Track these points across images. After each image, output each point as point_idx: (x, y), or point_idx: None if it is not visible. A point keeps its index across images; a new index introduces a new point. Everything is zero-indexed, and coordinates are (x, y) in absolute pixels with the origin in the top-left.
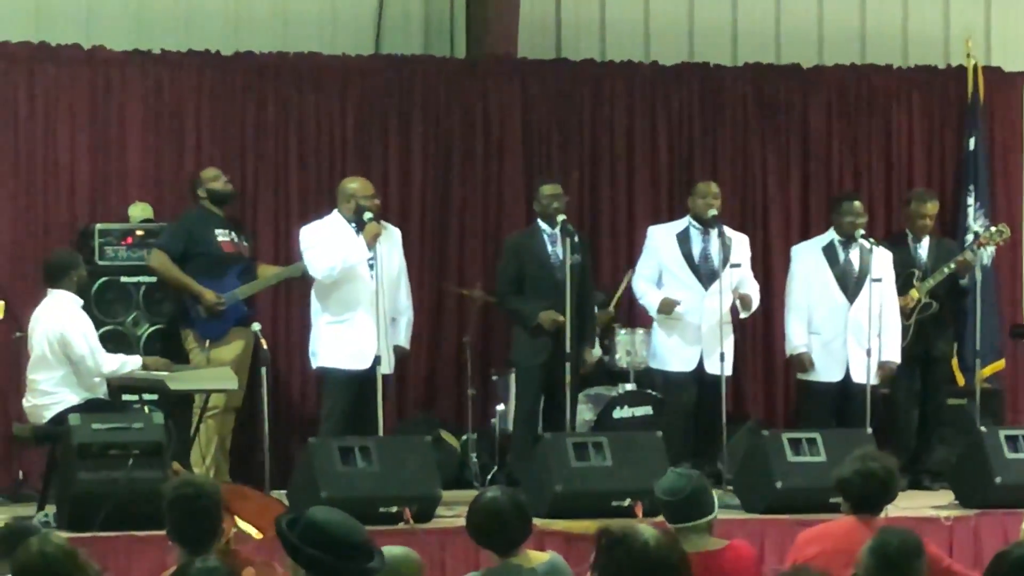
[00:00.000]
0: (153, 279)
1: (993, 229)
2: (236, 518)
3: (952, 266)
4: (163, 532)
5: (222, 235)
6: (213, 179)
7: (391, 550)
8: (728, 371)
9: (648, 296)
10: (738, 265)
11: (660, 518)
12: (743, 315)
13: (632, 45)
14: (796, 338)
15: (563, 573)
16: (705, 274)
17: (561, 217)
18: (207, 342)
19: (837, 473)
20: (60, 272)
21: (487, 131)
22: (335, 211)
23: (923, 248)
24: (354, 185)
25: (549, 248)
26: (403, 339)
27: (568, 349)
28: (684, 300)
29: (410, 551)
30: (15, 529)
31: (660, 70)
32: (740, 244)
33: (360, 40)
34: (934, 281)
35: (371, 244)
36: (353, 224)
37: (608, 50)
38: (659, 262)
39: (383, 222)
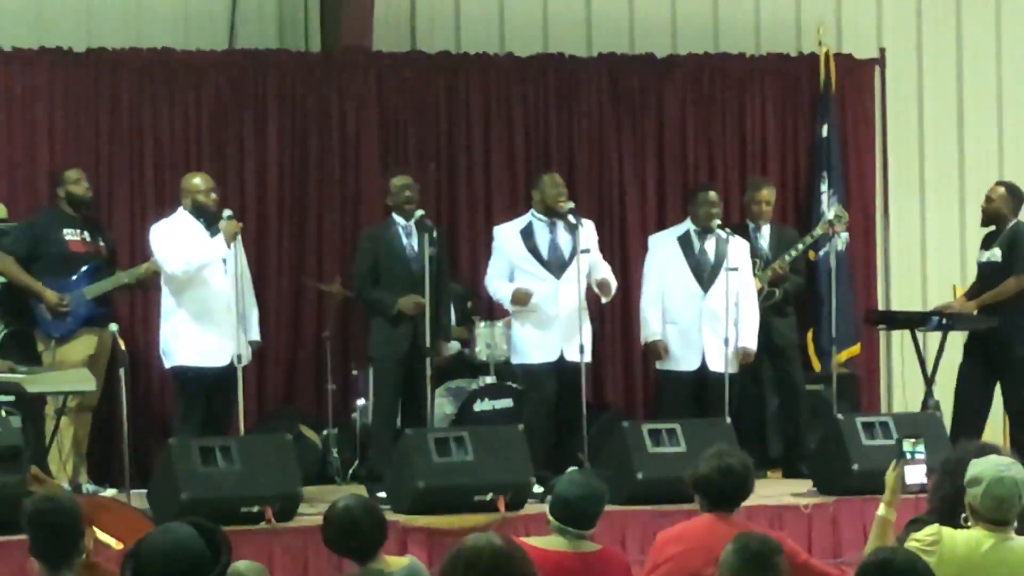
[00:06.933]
0: (6, 280)
1: (832, 217)
2: (95, 529)
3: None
4: (23, 537)
5: (71, 234)
6: (75, 182)
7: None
8: (587, 358)
9: (501, 291)
10: (587, 251)
11: (518, 513)
12: (604, 300)
13: (487, 37)
14: (650, 325)
15: None
16: (555, 265)
17: (419, 212)
18: (52, 342)
19: (693, 472)
20: None
21: (343, 125)
22: (180, 208)
23: (764, 238)
24: (195, 181)
25: (404, 240)
26: (256, 333)
27: (428, 343)
28: (538, 291)
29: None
30: None
31: (515, 62)
32: (587, 229)
33: (214, 35)
34: (771, 274)
35: (230, 242)
36: (201, 220)
37: (463, 42)
38: (508, 260)
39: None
